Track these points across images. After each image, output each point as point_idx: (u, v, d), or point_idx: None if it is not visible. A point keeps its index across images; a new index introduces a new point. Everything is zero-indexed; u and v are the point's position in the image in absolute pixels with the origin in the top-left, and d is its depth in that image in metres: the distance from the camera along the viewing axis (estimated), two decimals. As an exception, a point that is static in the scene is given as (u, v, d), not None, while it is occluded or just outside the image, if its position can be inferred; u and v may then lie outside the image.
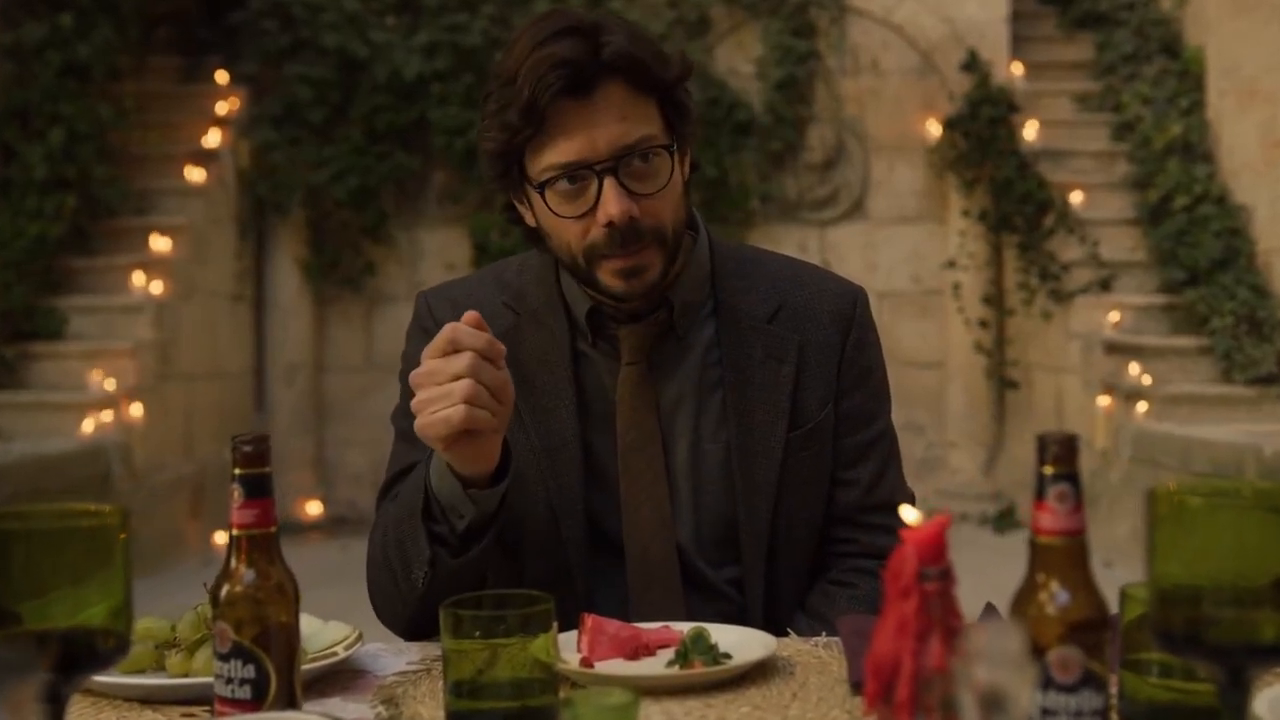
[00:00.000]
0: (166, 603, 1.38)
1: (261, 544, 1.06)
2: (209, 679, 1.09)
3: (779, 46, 6.93)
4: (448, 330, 1.33)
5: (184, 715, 1.20)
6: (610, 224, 1.43)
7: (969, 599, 0.91)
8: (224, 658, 1.05)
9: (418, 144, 6.84)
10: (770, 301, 1.59)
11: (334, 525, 6.73)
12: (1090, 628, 0.91)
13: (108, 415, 5.53)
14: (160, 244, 6.20)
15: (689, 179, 1.56)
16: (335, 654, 1.28)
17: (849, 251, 6.99)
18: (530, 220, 1.54)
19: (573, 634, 1.31)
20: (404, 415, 1.53)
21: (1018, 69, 7.09)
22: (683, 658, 1.26)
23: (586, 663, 1.27)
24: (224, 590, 1.05)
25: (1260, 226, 6.24)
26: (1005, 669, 0.70)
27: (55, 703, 0.87)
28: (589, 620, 1.30)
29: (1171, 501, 0.88)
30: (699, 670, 1.24)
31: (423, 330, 1.57)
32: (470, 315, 1.34)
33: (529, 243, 1.58)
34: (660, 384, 1.56)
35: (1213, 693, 0.96)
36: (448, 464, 1.38)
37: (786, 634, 1.43)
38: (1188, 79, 6.92)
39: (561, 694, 1.09)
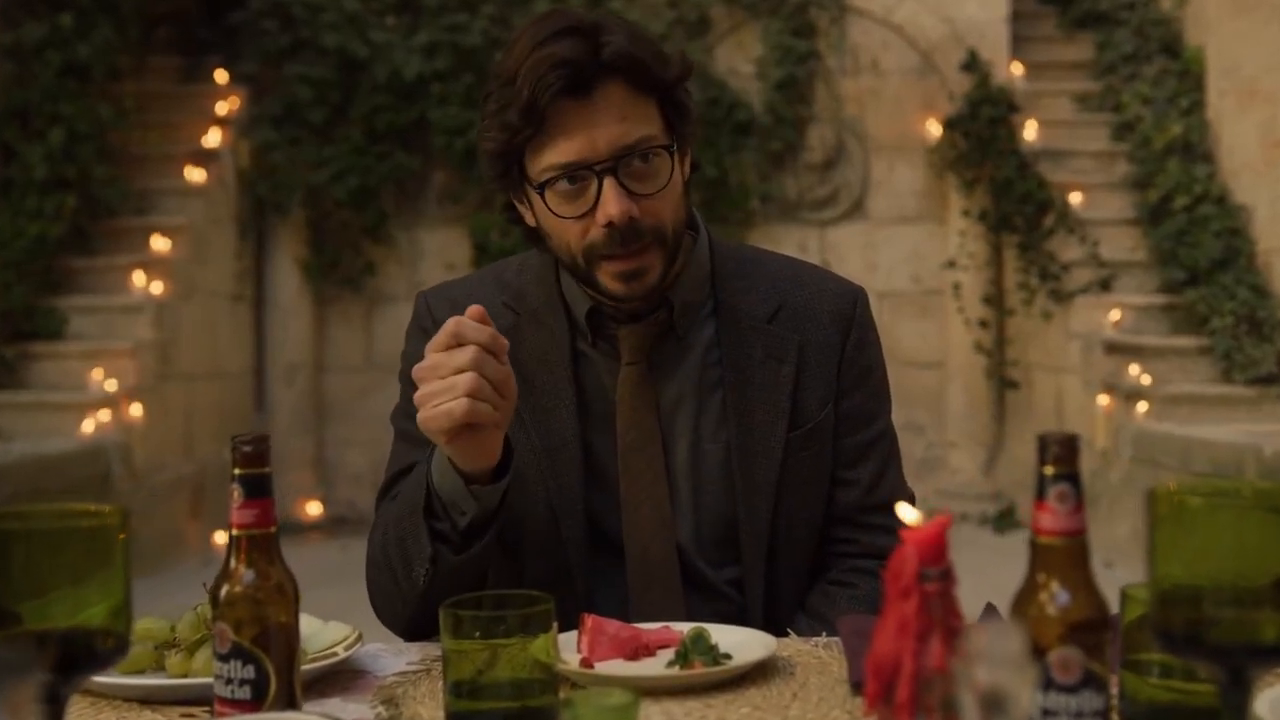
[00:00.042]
0: (166, 603, 1.38)
1: (261, 544, 1.06)
2: (209, 679, 1.09)
3: (779, 46, 6.93)
4: (451, 324, 1.33)
5: (184, 715, 1.20)
6: (610, 224, 1.43)
7: (969, 599, 0.91)
8: (224, 658, 1.05)
9: (418, 144, 6.84)
10: (770, 301, 1.59)
11: (334, 525, 6.73)
12: (1091, 628, 0.91)
13: (108, 415, 5.52)
14: (160, 244, 6.20)
15: (689, 179, 1.56)
16: (335, 654, 1.28)
17: (849, 251, 6.98)
18: (530, 220, 1.54)
19: (573, 634, 1.31)
20: (404, 415, 1.53)
21: (1018, 69, 7.09)
22: (683, 658, 1.26)
23: (586, 663, 1.27)
24: (224, 590, 1.05)
25: (1260, 226, 6.24)
26: (1006, 669, 0.70)
27: (55, 703, 0.87)
28: (589, 620, 1.30)
29: (1172, 501, 0.88)
30: (699, 671, 1.24)
31: (422, 330, 1.57)
32: (474, 309, 1.34)
33: (529, 243, 1.58)
34: (660, 384, 1.56)
35: (1213, 693, 0.96)
36: (449, 460, 1.38)
37: (787, 634, 1.42)
38: (1188, 79, 6.92)
39: (561, 694, 1.09)
